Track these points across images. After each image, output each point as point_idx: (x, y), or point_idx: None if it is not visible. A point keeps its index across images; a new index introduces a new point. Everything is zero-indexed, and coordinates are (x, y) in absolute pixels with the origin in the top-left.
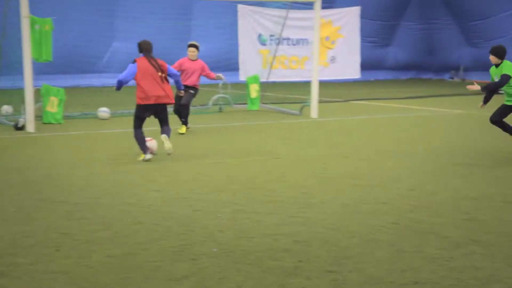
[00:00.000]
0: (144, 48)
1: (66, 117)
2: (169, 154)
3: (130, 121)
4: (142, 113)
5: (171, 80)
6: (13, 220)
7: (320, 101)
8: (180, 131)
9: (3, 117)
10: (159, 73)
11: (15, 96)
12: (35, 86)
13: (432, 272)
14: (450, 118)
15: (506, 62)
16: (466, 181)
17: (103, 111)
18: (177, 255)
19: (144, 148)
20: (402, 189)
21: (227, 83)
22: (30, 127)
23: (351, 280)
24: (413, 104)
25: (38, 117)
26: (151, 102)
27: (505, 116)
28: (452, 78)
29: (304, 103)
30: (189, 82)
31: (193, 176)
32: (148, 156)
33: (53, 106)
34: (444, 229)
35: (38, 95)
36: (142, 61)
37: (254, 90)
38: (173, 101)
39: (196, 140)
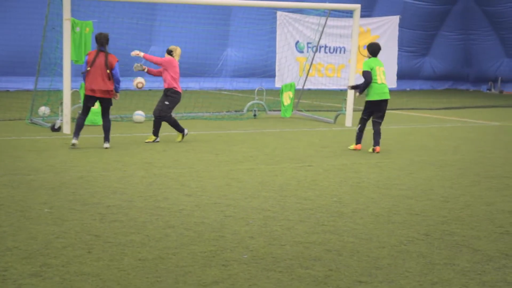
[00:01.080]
0: (98, 41)
1: None
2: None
3: (165, 125)
4: (87, 102)
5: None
6: (47, 221)
7: (355, 110)
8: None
9: (40, 118)
10: (107, 70)
11: (53, 97)
12: (72, 88)
13: (463, 285)
14: (486, 130)
15: (364, 61)
16: (500, 194)
17: (139, 115)
18: (208, 261)
19: (76, 133)
20: (435, 201)
21: (263, 89)
22: (67, 128)
23: None
24: (449, 115)
25: (75, 119)
26: (95, 95)
27: (371, 115)
28: (489, 89)
29: (339, 112)
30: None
31: (225, 182)
32: (74, 141)
33: None
34: (476, 242)
35: (76, 97)
36: (92, 54)
37: (287, 97)
38: (112, 96)
39: (229, 146)
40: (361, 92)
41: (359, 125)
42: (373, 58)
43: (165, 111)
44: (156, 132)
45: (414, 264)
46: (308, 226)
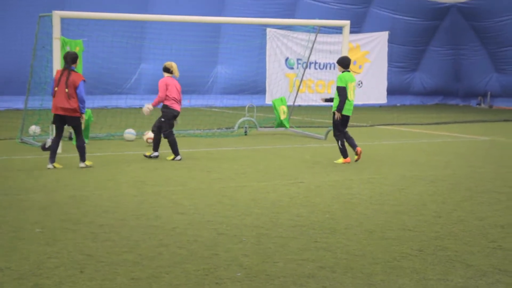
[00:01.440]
0: (64, 60)
1: (92, 138)
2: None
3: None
4: (54, 121)
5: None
6: (39, 241)
7: None
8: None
9: (31, 138)
10: (66, 89)
11: (43, 116)
12: None
13: None
14: (476, 144)
15: (339, 75)
16: (492, 208)
17: (129, 133)
18: (201, 279)
19: (51, 158)
20: (427, 216)
21: (253, 106)
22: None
23: None
24: (439, 130)
25: (65, 137)
26: (59, 112)
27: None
28: (479, 104)
29: (329, 128)
30: None
31: (218, 199)
32: (50, 166)
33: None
34: (469, 257)
35: None
36: (59, 73)
37: (282, 112)
38: (79, 115)
39: (221, 163)
40: (340, 110)
41: (339, 141)
42: (346, 72)
43: (165, 127)
44: (155, 147)
45: (407, 280)
46: (301, 243)
